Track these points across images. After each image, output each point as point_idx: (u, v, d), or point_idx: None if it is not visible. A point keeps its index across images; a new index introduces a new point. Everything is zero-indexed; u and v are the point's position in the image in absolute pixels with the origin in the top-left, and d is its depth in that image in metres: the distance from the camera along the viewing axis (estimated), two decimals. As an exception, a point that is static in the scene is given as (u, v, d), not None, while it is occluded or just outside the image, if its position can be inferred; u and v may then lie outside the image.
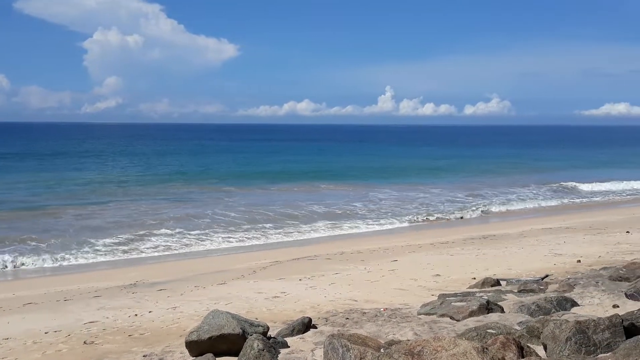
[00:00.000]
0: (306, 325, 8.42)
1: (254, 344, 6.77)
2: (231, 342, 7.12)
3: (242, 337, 7.09)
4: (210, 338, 7.06)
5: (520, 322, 7.80)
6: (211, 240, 20.75)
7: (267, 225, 23.47)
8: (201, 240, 20.72)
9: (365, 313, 9.39)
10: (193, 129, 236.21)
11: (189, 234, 21.49)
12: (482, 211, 27.75)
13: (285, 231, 22.59)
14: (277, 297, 11.26)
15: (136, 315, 10.04)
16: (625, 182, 39.70)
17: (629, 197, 34.26)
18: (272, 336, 7.74)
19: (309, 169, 52.20)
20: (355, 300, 10.63)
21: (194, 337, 7.10)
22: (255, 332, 7.23)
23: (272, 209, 27.45)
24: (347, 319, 9.11)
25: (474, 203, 30.51)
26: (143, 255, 18.81)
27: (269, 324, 8.23)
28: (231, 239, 21.01)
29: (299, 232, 22.52)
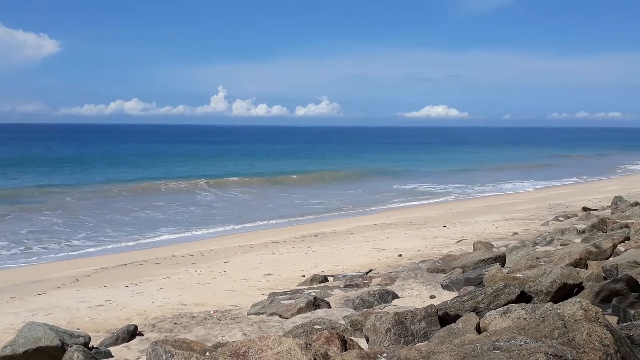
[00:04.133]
0: (132, 333, 8.14)
1: (73, 355, 6.45)
2: (49, 355, 6.72)
3: (61, 349, 6.72)
4: (26, 352, 6.61)
5: (345, 317, 8.07)
6: (28, 249, 19.26)
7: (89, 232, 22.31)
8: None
9: (194, 317, 9.25)
10: (8, 129, 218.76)
11: None
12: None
13: (112, 237, 21.60)
14: (102, 305, 10.77)
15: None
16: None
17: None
18: (94, 346, 7.40)
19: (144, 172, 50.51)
20: (185, 305, 10.44)
21: (7, 352, 6.61)
22: (76, 343, 6.88)
23: (94, 213, 26.22)
24: (176, 324, 8.93)
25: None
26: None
27: (91, 334, 7.87)
28: (51, 247, 19.62)
29: (131, 237, 21.63)
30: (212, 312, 9.51)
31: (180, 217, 25.94)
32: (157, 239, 21.39)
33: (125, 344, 7.88)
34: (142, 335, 8.29)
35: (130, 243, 20.50)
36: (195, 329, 8.55)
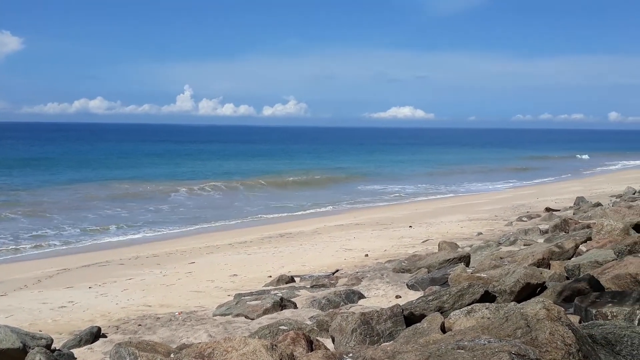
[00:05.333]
0: (95, 335, 8.03)
1: (35, 357, 6.34)
2: (11, 358, 6.60)
3: (22, 352, 6.60)
4: (-14, 355, 6.47)
5: (312, 317, 8.07)
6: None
7: (53, 232, 21.92)
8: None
9: (159, 318, 9.16)
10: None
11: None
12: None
13: (75, 236, 21.25)
14: (64, 307, 10.61)
15: None
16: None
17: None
18: (57, 348, 7.28)
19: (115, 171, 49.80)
20: (149, 306, 10.33)
21: (-34, 356, 6.46)
22: (38, 345, 6.75)
23: (59, 213, 25.78)
24: (140, 325, 8.82)
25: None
26: None
27: (54, 336, 7.72)
28: (13, 248, 19.22)
29: (91, 237, 21.32)
30: (177, 313, 9.42)
31: (146, 216, 25.63)
32: (122, 238, 21.16)
33: (89, 346, 7.77)
34: (105, 337, 8.19)
35: (92, 242, 20.24)
36: (159, 330, 8.47)
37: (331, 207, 30.28)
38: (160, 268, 14.39)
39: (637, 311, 5.43)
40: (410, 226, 19.55)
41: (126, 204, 29.57)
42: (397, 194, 36.14)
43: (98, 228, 22.63)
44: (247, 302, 9.15)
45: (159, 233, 22.23)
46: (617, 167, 58.07)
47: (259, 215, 26.82)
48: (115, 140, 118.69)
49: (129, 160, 63.93)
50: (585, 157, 75.61)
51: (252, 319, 8.58)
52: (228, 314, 8.98)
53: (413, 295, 9.06)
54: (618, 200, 20.27)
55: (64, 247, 19.51)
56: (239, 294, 10.24)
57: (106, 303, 10.77)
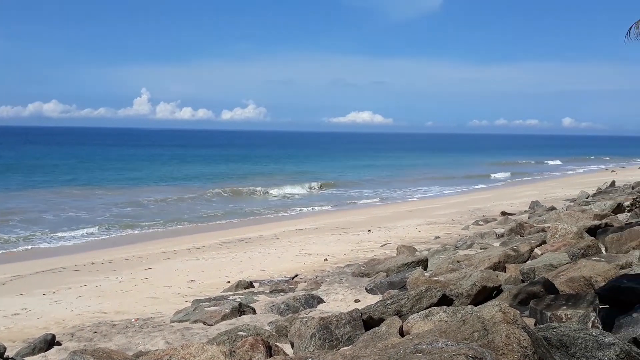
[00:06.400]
0: (49, 343, 7.88)
1: (-15, 368, 6.15)
2: (-41, 369, 6.40)
3: (-28, 362, 6.41)
4: None
5: (271, 322, 8.04)
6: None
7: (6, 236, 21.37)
8: None
9: (115, 325, 9.00)
10: None
11: None
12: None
13: (29, 241, 20.75)
14: (18, 314, 10.36)
15: None
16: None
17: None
18: (10, 357, 7.11)
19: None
20: (105, 313, 10.15)
21: None
22: (-11, 355, 6.57)
23: (11, 218, 25.15)
24: (95, 332, 8.67)
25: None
26: None
27: (6, 344, 7.56)
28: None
29: (45, 242, 20.85)
30: (133, 320, 9.28)
31: (101, 222, 25.12)
32: (78, 242, 20.81)
33: (43, 353, 7.62)
34: (60, 344, 8.03)
35: (47, 247, 19.87)
36: (115, 337, 8.33)
37: (291, 211, 30.27)
38: (116, 274, 14.16)
39: (591, 313, 5.54)
40: (369, 230, 19.64)
41: (81, 209, 28.96)
42: (357, 199, 36.30)
43: (51, 234, 22.11)
44: (205, 308, 9.06)
45: (115, 238, 21.87)
46: (578, 171, 59.42)
47: (219, 221, 26.60)
48: (71, 144, 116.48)
49: (87, 164, 62.83)
50: (541, 161, 77.04)
51: (210, 325, 8.50)
52: (186, 320, 8.88)
53: (372, 299, 9.10)
54: (572, 204, 20.72)
55: (16, 254, 19.02)
56: (197, 300, 10.14)
57: (61, 310, 10.56)
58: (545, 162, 76.17)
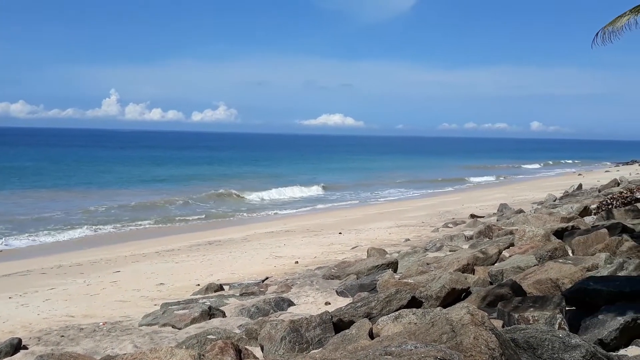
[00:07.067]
0: (15, 347, 7.75)
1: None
2: None
3: None
4: None
5: (241, 325, 8.00)
6: None
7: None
8: None
9: (82, 329, 8.87)
10: None
11: None
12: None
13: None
14: (-18, 318, 10.14)
15: None
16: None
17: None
18: (-28, 363, 6.97)
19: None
20: (73, 316, 10.01)
21: None
22: (-49, 361, 6.43)
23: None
24: (63, 336, 8.54)
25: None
26: None
27: (-32, 351, 7.39)
28: None
29: (11, 245, 20.49)
30: (101, 323, 9.16)
31: (68, 224, 24.77)
32: (45, 241, 20.55)
33: (9, 358, 7.50)
34: (26, 348, 7.89)
35: (12, 249, 19.58)
36: (83, 341, 8.21)
37: (261, 213, 30.25)
38: (83, 277, 13.97)
39: (558, 315, 5.63)
40: (340, 233, 19.67)
41: (48, 211, 28.52)
42: (328, 201, 36.38)
43: (18, 237, 21.75)
44: (175, 312, 8.98)
45: (83, 240, 21.61)
46: (547, 174, 60.19)
47: (189, 223, 26.43)
48: (40, 145, 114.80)
49: (57, 165, 62.01)
50: (510, 165, 77.90)
51: (180, 329, 8.43)
52: (154, 324, 8.79)
53: (342, 302, 9.10)
54: (539, 207, 21.01)
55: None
56: (166, 303, 10.04)
57: (27, 314, 10.38)
58: (523, 166, 76.75)
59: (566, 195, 24.85)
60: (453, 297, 7.75)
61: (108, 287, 12.64)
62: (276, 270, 13.27)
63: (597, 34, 9.13)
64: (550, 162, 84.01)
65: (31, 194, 35.67)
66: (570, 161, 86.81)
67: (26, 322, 9.71)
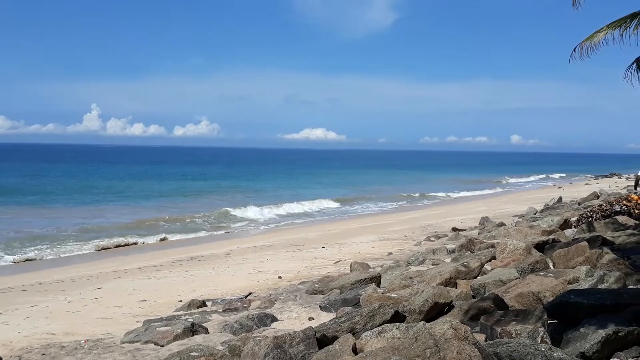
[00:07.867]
0: (-6, 367, 7.62)
1: None
2: None
3: None
4: None
5: (224, 342, 7.96)
6: None
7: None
8: None
9: (64, 347, 8.78)
10: None
11: None
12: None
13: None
14: (-39, 337, 9.99)
15: None
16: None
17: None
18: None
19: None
20: (54, 334, 9.91)
21: None
22: None
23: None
24: (44, 354, 8.45)
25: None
26: None
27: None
28: None
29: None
30: (83, 341, 9.07)
31: (48, 240, 24.50)
32: (23, 261, 20.29)
33: (-14, 378, 7.37)
34: (6, 368, 7.79)
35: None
36: (64, 359, 8.12)
37: (245, 228, 30.18)
38: (65, 294, 13.83)
39: (540, 329, 5.67)
40: (323, 247, 19.66)
41: (29, 227, 28.23)
42: (312, 215, 36.38)
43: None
44: (157, 328, 8.92)
45: (64, 257, 21.39)
46: (526, 187, 60.59)
47: (171, 239, 26.27)
48: (20, 161, 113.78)
49: (39, 180, 61.47)
50: (492, 178, 78.29)
51: (162, 346, 8.37)
52: (137, 341, 8.72)
53: (326, 317, 9.10)
54: (520, 220, 21.15)
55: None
56: (148, 320, 9.97)
57: (8, 331, 10.26)
58: (504, 179, 76.97)
59: (547, 208, 25.04)
60: (436, 311, 7.78)
61: (90, 304, 12.52)
62: (259, 286, 13.23)
63: (574, 49, 9.26)
64: (531, 176, 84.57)
65: (11, 210, 35.27)
66: (550, 175, 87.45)
67: (7, 340, 9.59)
